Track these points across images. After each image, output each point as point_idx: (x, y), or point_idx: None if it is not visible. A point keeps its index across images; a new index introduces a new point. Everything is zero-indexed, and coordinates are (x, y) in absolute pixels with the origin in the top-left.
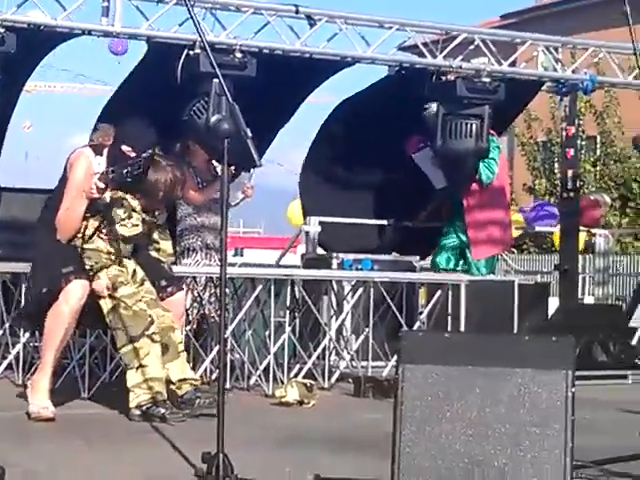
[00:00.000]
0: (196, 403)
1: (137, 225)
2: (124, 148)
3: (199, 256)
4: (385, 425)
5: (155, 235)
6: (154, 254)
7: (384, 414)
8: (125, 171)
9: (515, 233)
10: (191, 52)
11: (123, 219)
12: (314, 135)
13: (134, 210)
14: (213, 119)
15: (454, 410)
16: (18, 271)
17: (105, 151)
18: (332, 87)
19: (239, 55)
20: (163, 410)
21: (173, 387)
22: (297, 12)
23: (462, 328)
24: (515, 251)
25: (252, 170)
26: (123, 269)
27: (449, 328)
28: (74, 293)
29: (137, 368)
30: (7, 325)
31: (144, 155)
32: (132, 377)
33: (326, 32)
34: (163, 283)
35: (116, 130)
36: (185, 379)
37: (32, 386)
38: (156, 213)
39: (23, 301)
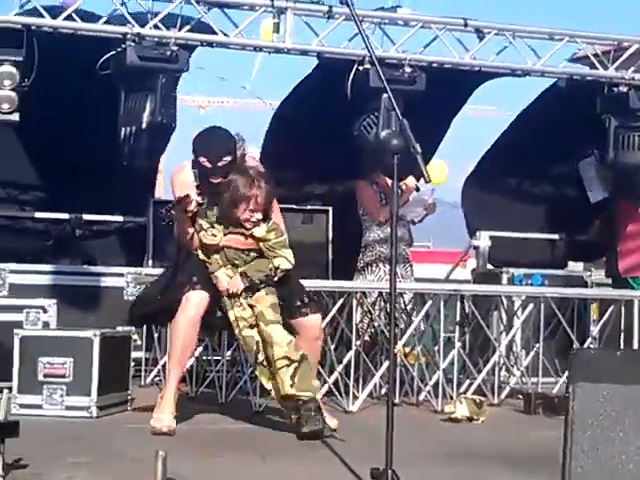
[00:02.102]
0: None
1: (215, 236)
2: (200, 159)
3: (382, 271)
4: (556, 443)
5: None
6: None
7: (555, 431)
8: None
9: None
10: (360, 67)
11: (205, 229)
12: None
13: (219, 222)
14: (383, 134)
15: (627, 430)
16: None
17: None
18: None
19: (408, 70)
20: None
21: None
22: (466, 25)
23: (635, 345)
24: None
25: (431, 185)
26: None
27: (622, 345)
28: (191, 302)
29: (269, 392)
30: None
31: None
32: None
33: (495, 45)
34: (297, 304)
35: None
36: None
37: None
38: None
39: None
